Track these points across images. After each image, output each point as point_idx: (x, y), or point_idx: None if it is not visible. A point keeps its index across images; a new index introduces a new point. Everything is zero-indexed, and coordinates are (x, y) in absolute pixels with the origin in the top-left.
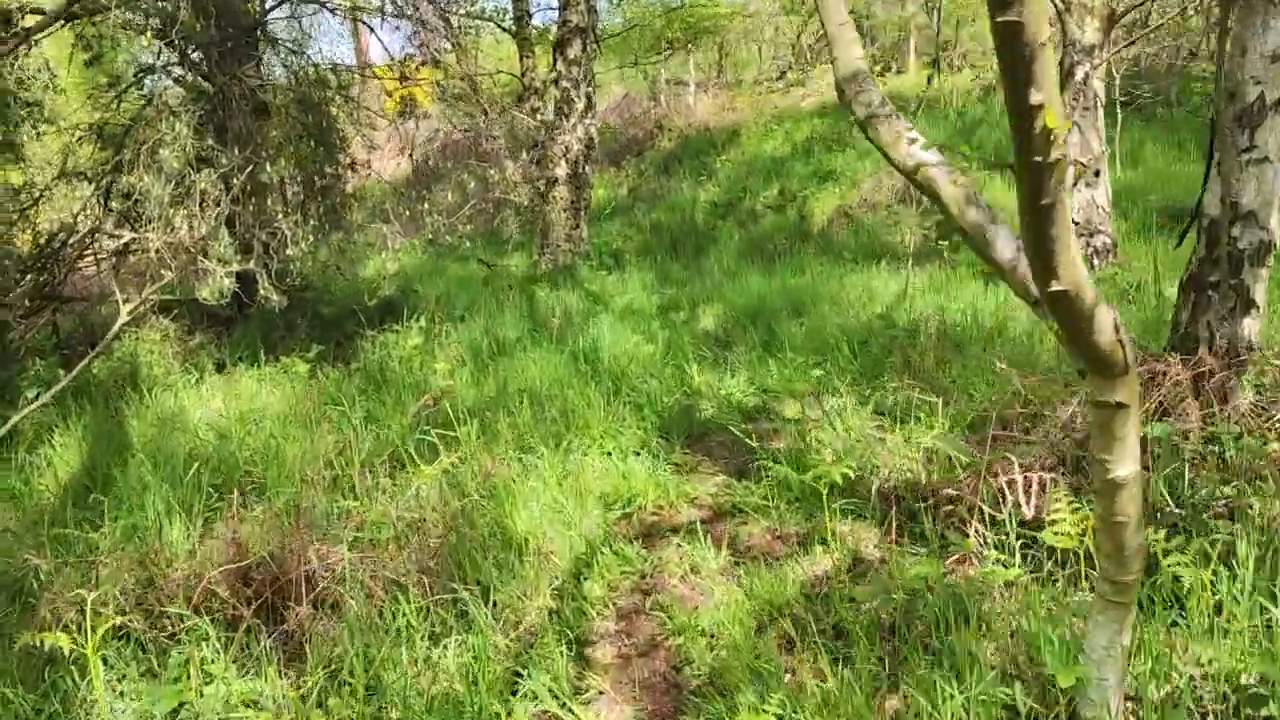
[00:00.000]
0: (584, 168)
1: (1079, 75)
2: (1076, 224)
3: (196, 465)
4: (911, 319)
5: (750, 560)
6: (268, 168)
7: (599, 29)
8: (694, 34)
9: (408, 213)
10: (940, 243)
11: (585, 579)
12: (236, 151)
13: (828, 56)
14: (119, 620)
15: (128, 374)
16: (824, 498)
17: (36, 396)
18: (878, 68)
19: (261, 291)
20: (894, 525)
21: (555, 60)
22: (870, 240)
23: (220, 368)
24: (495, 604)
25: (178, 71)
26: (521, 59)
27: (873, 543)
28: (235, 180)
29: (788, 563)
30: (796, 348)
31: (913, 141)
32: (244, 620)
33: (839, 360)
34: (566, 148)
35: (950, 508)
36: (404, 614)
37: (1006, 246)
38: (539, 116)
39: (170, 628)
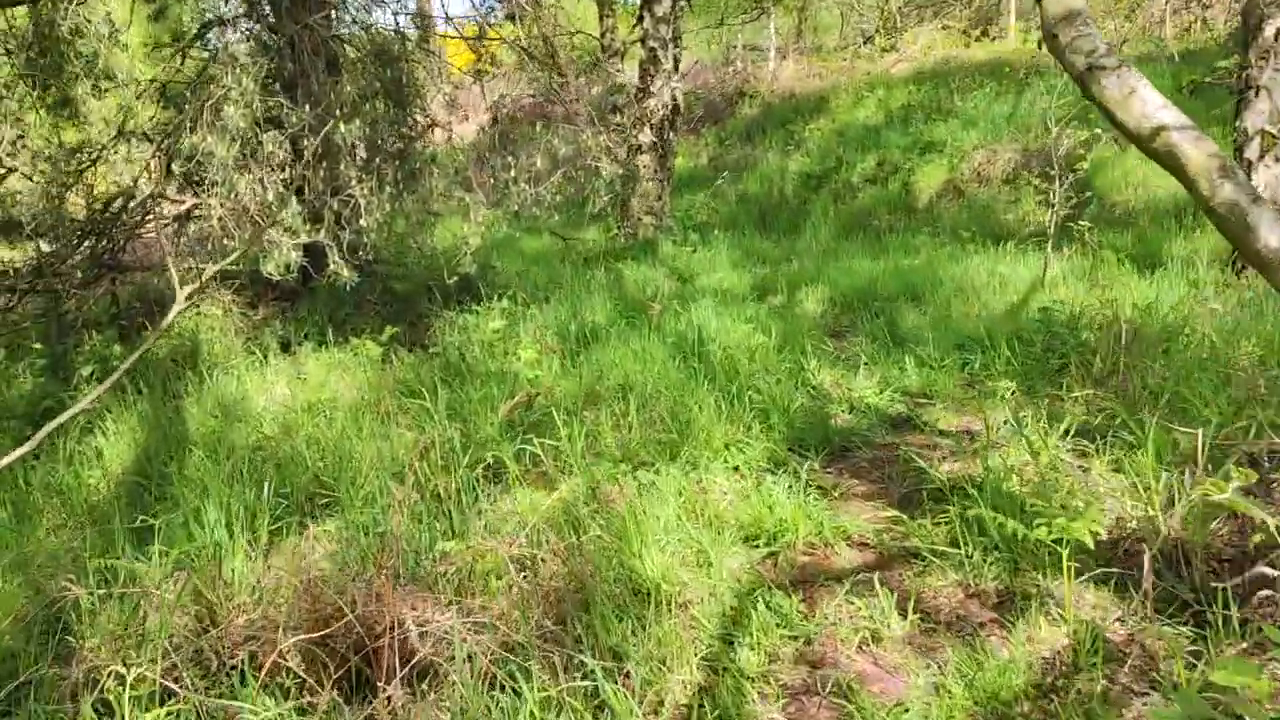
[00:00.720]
0: (669, 134)
1: (1268, 31)
2: None
3: (260, 466)
4: (1070, 312)
5: (944, 627)
6: (341, 128)
7: None
8: None
9: (491, 180)
10: (1081, 224)
11: (737, 643)
12: (307, 109)
13: (917, 20)
14: (167, 684)
15: (187, 353)
16: (1045, 553)
17: (92, 375)
18: (975, 32)
19: (332, 266)
20: (1149, 597)
21: (642, 17)
22: (988, 218)
23: (285, 347)
24: (629, 674)
25: (245, 24)
26: (601, 18)
27: (1113, 614)
28: (306, 142)
29: (996, 634)
30: (927, 341)
31: (1150, 101)
32: (321, 701)
33: (993, 361)
34: (651, 112)
35: (1232, 582)
36: (527, 700)
37: (1273, 233)
38: (619, 80)
39: (230, 694)
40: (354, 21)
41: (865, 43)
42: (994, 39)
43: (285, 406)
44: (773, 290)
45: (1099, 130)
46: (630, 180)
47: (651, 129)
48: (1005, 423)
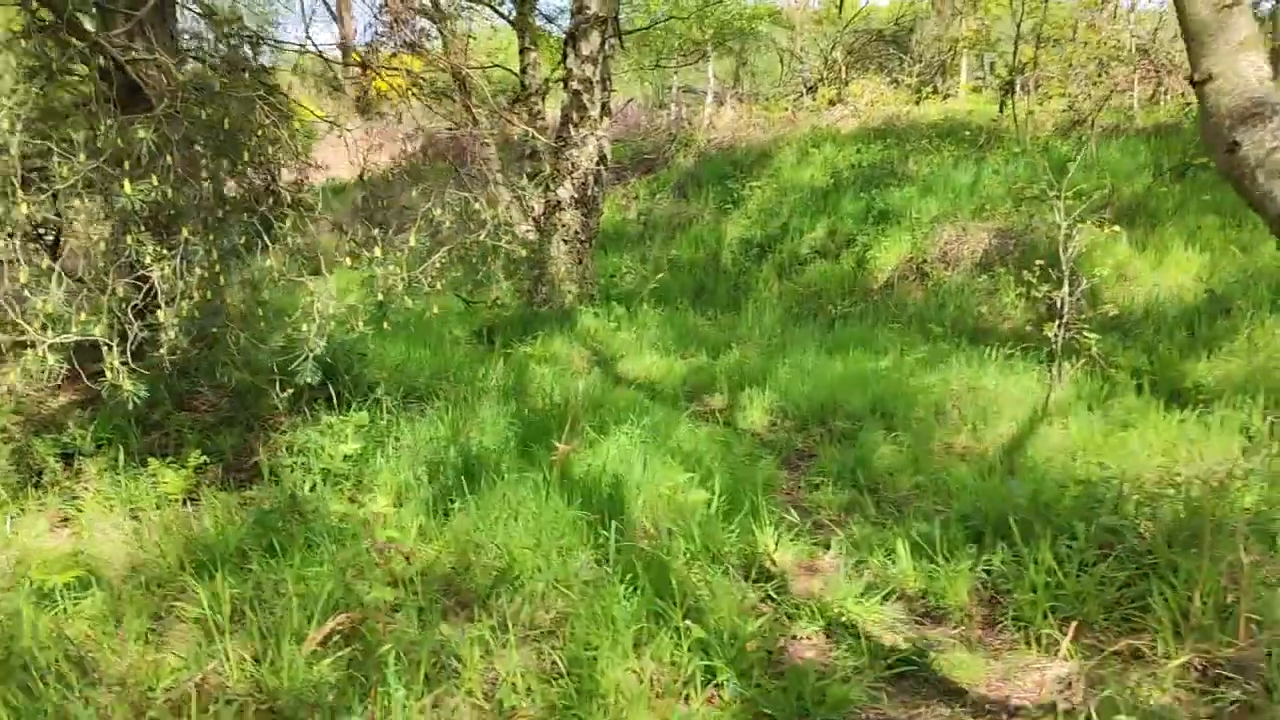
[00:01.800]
0: (595, 189)
1: None
2: None
3: None
4: (1116, 488)
5: None
6: (125, 186)
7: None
8: (722, 37)
9: (347, 260)
10: (1086, 335)
11: None
12: (82, 158)
13: (868, 69)
14: None
15: None
16: None
17: None
18: (925, 89)
19: (109, 375)
20: None
21: (566, 55)
22: (961, 310)
23: (70, 459)
24: None
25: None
26: (522, 51)
27: None
28: (78, 203)
29: None
30: (911, 494)
31: None
32: None
33: (1023, 562)
34: (574, 164)
35: None
36: None
37: None
38: (539, 124)
39: None
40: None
41: (808, 91)
42: (945, 97)
43: (16, 576)
44: (710, 390)
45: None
46: (546, 242)
47: (573, 183)
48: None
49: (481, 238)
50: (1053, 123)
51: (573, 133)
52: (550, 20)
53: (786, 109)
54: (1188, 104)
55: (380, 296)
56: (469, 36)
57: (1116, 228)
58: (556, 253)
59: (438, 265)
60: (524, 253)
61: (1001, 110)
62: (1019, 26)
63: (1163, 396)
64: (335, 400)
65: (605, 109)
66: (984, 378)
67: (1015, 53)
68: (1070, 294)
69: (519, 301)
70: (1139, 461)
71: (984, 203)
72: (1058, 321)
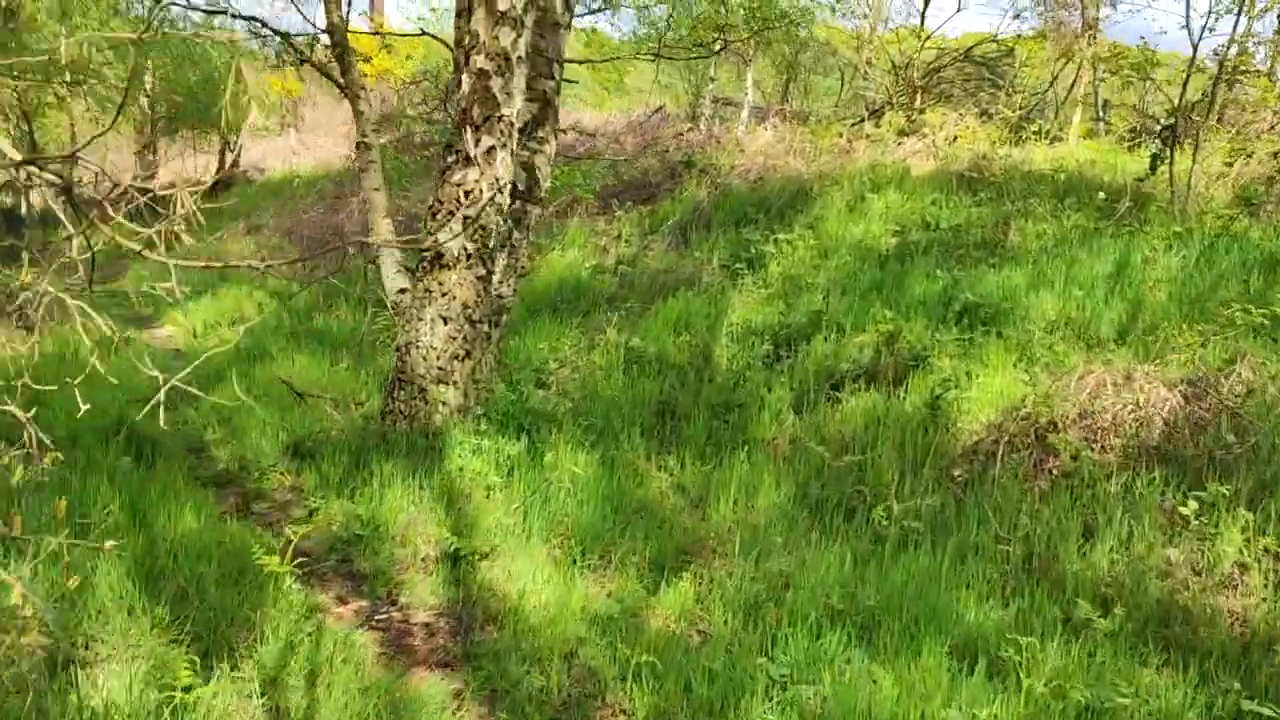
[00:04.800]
0: (511, 235)
1: None
2: None
3: None
4: None
5: None
6: None
7: None
8: (762, 30)
9: None
10: None
11: None
12: None
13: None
14: None
15: None
16: None
17: None
18: (1030, 127)
19: None
20: None
21: (462, 9)
22: (1131, 566)
23: None
24: None
25: None
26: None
27: None
28: None
29: None
30: None
31: None
32: None
33: None
34: (465, 196)
35: None
36: None
37: None
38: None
39: None
40: None
41: (871, 116)
42: (1051, 139)
43: None
44: (622, 679)
45: None
46: (415, 318)
47: (467, 226)
48: None
49: None
50: (1230, 189)
51: (467, 145)
52: None
53: (840, 135)
54: None
55: None
56: None
57: None
58: (429, 336)
59: None
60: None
61: (1154, 168)
62: (1195, 48)
63: None
64: None
65: (546, 111)
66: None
67: (1185, 84)
68: None
69: (352, 427)
70: None
71: (1134, 309)
72: None
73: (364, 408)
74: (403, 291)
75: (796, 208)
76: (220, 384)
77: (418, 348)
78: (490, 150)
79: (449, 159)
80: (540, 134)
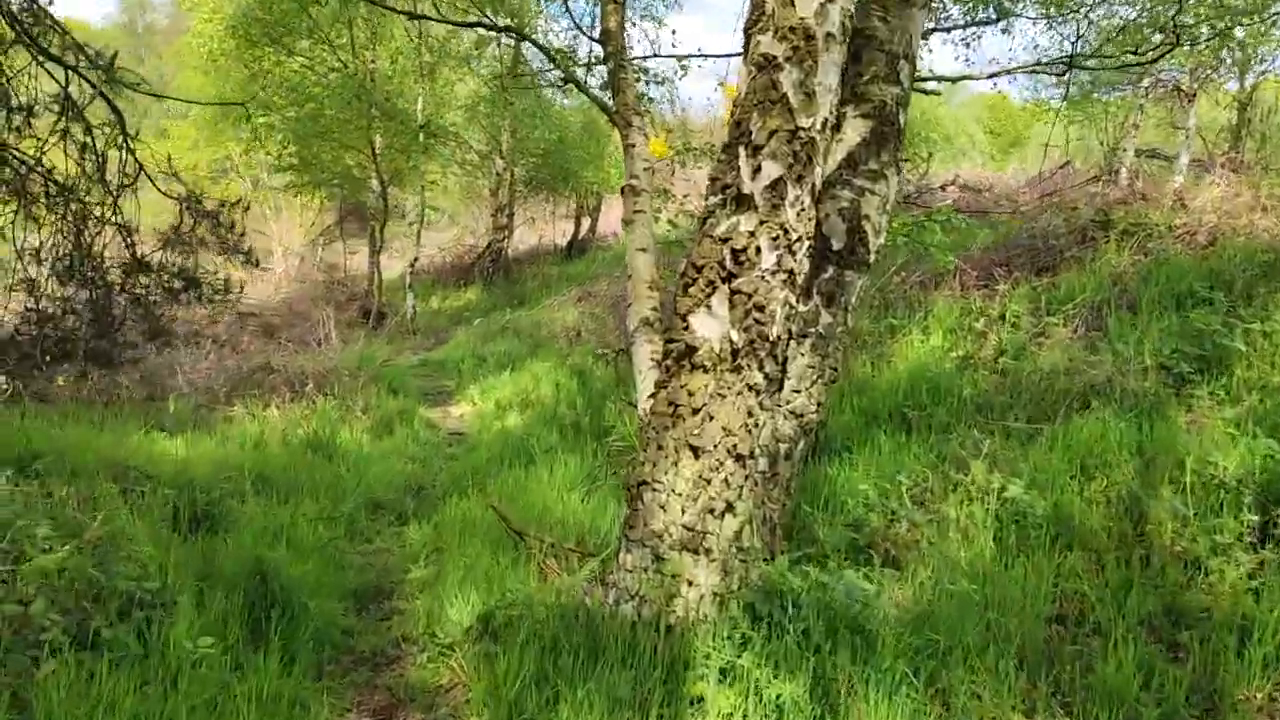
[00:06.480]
0: (825, 320)
1: None
2: None
3: None
4: None
5: None
6: None
7: None
8: (1231, 28)
9: None
10: None
11: None
12: None
13: None
14: None
15: None
16: None
17: None
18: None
19: None
20: None
21: None
22: None
23: None
24: None
25: None
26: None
27: None
28: None
29: None
30: None
31: None
32: None
33: None
34: (733, 258)
35: None
36: None
37: None
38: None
39: None
40: None
41: None
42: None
43: None
44: None
45: None
46: (650, 445)
47: (735, 305)
48: None
49: None
50: None
51: (743, 173)
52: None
53: None
54: None
55: None
56: None
57: None
58: (670, 475)
59: None
60: None
61: None
62: None
63: None
64: None
65: (888, 130)
66: None
67: None
68: None
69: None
70: None
71: None
72: None
73: (591, 563)
74: (652, 397)
75: (1273, 284)
76: (457, 494)
77: (655, 491)
78: (777, 185)
79: (711, 199)
80: (873, 165)
